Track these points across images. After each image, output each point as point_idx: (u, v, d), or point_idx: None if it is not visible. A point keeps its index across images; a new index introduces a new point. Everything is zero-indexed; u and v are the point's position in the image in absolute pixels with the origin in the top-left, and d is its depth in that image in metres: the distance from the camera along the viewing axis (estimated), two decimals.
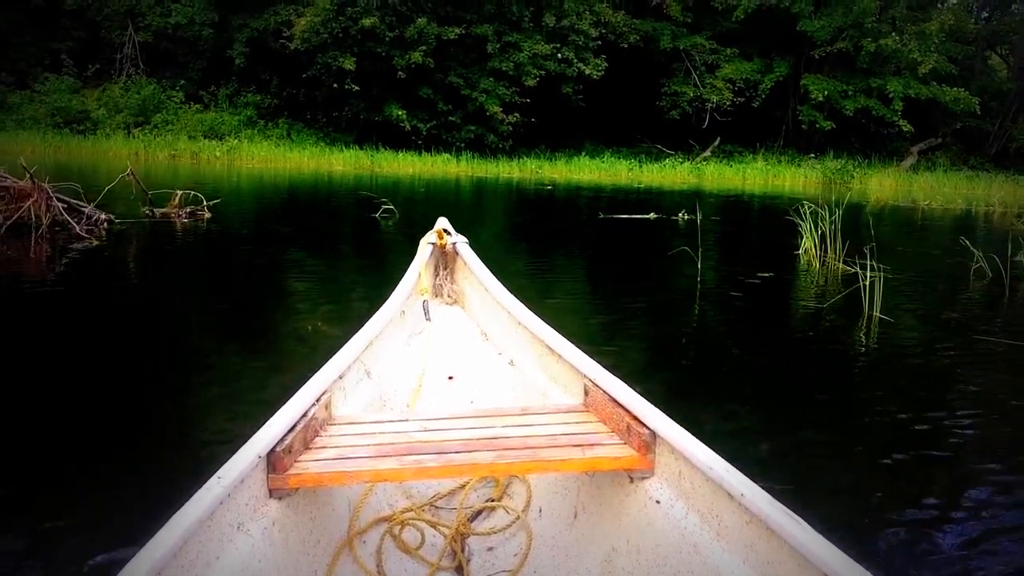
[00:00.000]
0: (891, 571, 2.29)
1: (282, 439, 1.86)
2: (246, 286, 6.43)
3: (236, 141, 25.79)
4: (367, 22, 24.91)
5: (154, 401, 3.55)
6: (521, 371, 2.86)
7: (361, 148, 26.43)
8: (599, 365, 2.31)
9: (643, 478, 1.99)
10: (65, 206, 8.40)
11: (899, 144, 30.91)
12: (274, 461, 1.81)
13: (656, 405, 2.01)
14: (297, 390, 2.06)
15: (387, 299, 2.95)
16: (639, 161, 28.14)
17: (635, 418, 2.02)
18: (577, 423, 2.19)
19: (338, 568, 2.00)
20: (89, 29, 28.53)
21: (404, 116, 26.39)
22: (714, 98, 28.53)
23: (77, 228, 8.03)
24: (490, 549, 2.24)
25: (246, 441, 1.78)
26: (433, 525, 2.26)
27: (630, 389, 2.11)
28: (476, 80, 26.89)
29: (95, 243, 7.68)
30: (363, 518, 2.19)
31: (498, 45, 26.68)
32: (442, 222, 3.59)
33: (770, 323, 5.79)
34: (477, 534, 2.27)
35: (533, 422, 2.19)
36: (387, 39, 25.47)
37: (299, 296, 6.01)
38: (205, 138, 25.99)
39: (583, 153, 28.68)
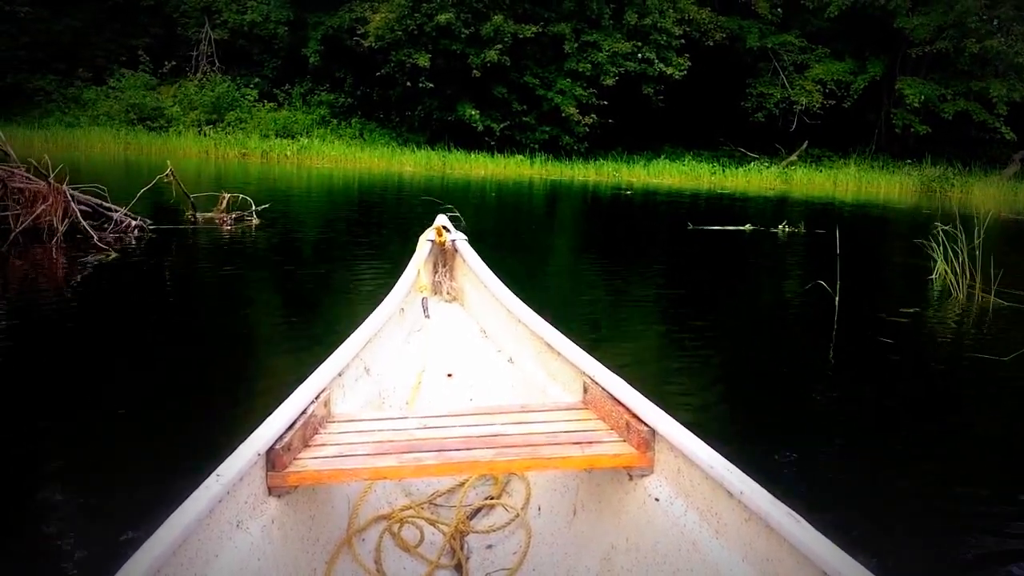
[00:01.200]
0: None
1: (281, 437, 1.84)
2: (272, 307, 5.70)
3: (307, 140, 25.37)
4: (442, 18, 24.26)
5: (150, 426, 3.24)
6: (520, 368, 2.84)
7: (433, 149, 25.78)
8: (598, 362, 2.28)
9: (642, 475, 1.96)
10: (90, 211, 7.72)
11: (999, 151, 28.79)
12: (273, 459, 1.79)
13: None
14: (296, 388, 2.02)
15: (386, 296, 2.92)
16: (721, 165, 26.68)
17: (634, 415, 2.00)
18: (576, 420, 2.17)
19: (337, 566, 1.99)
20: (166, 26, 28.55)
21: (477, 116, 25.61)
22: (803, 100, 26.99)
23: (95, 237, 7.32)
24: (489, 547, 2.23)
25: (245, 439, 1.74)
26: (432, 523, 2.25)
27: (629, 386, 2.08)
28: (552, 80, 25.91)
29: (113, 254, 6.92)
30: (362, 516, 2.18)
31: (576, 44, 25.64)
32: (441, 219, 3.60)
33: (939, 379, 4.72)
34: (476, 532, 2.26)
35: (532, 419, 2.17)
36: (462, 36, 24.77)
37: (328, 324, 5.20)
38: (278, 137, 25.65)
39: (662, 156, 27.39)
